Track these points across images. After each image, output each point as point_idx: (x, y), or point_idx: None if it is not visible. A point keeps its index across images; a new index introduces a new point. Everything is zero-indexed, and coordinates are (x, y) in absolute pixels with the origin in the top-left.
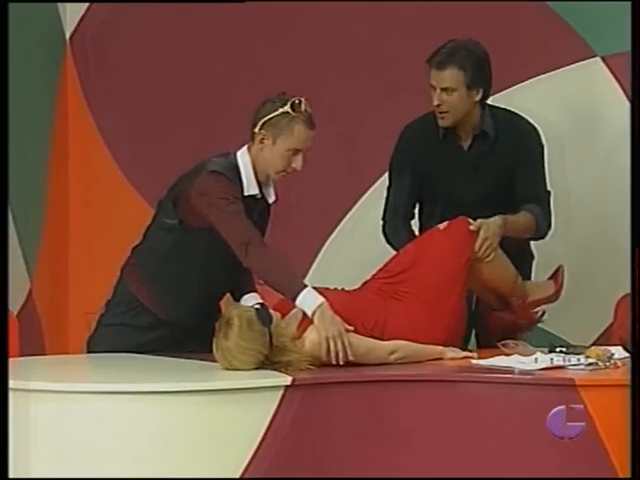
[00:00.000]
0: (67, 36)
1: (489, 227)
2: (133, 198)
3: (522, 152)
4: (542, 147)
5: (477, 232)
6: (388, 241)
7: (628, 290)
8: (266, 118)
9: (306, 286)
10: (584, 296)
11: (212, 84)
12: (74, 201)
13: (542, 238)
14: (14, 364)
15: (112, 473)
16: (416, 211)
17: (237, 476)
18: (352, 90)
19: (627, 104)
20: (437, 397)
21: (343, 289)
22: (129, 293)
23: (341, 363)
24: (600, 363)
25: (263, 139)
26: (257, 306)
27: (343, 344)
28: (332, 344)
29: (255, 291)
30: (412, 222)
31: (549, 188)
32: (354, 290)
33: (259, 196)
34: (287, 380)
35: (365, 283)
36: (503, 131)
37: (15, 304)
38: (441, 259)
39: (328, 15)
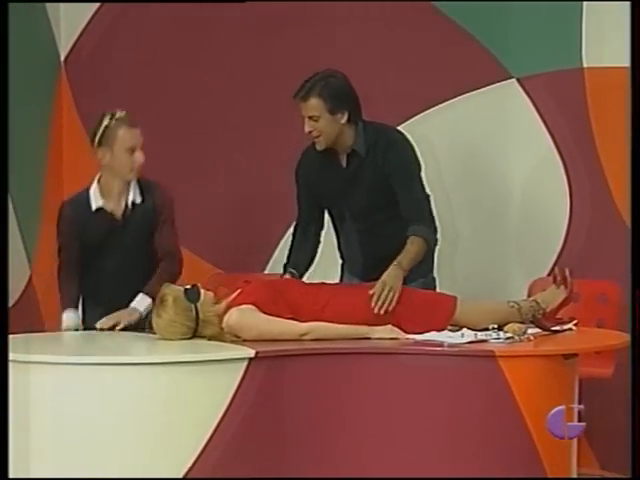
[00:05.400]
0: (62, 58)
1: (386, 283)
2: None
3: (391, 163)
4: (410, 152)
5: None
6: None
7: (540, 275)
8: (96, 139)
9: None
10: (503, 279)
11: (206, 99)
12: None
13: (433, 248)
14: (14, 339)
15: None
16: (321, 223)
17: (202, 444)
18: None
19: (541, 125)
20: (381, 367)
21: (294, 278)
22: None
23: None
24: (516, 337)
25: (104, 155)
26: (188, 286)
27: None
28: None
29: (148, 294)
30: (320, 232)
31: (428, 191)
32: (290, 279)
33: (108, 209)
34: (251, 353)
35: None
36: (372, 147)
37: (17, 290)
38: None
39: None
